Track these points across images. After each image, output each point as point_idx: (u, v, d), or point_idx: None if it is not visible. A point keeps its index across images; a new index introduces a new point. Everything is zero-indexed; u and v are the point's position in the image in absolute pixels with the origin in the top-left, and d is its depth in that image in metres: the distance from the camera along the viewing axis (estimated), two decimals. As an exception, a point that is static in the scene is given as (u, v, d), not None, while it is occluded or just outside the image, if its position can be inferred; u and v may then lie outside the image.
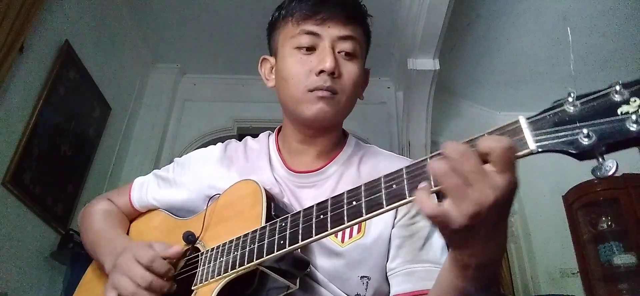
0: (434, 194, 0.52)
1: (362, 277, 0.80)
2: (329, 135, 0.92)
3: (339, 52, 0.85)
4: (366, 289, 0.80)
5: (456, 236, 0.52)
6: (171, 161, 1.06)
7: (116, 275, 0.77)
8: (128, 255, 0.77)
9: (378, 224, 0.82)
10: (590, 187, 3.49)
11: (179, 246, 0.81)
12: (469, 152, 0.48)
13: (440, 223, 0.50)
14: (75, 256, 2.56)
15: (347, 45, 0.86)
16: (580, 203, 3.58)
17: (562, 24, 3.11)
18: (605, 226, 3.47)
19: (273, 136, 0.99)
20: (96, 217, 0.99)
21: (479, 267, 0.55)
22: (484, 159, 0.49)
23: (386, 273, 0.82)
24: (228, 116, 3.82)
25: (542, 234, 3.64)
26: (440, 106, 3.68)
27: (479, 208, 0.48)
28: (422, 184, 0.52)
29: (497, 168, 0.48)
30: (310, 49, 0.85)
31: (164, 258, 0.77)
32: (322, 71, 0.82)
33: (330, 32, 0.85)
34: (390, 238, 0.82)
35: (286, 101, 0.89)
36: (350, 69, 0.86)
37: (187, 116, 3.86)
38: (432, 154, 0.54)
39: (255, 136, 1.03)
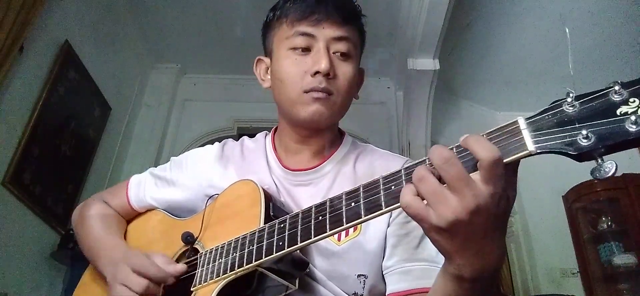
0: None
1: (359, 275, 0.80)
2: (325, 135, 0.92)
3: (334, 53, 0.85)
4: (363, 287, 0.80)
5: (441, 240, 0.51)
6: (168, 161, 1.05)
7: (115, 285, 0.79)
8: (124, 266, 0.79)
9: (374, 223, 0.82)
10: (590, 187, 3.49)
11: (182, 265, 0.81)
12: (453, 159, 0.48)
13: (420, 220, 0.50)
14: (75, 256, 2.55)
15: (341, 46, 0.85)
16: (580, 203, 3.58)
17: (562, 24, 3.11)
18: (605, 226, 3.47)
19: (270, 136, 0.99)
20: (93, 222, 0.98)
21: (473, 280, 0.53)
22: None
23: (382, 272, 0.82)
24: (228, 116, 3.82)
25: (542, 234, 3.64)
26: (440, 106, 3.67)
27: (459, 214, 0.48)
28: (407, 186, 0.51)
29: (482, 177, 0.48)
30: (306, 50, 0.85)
31: (170, 275, 0.79)
32: (317, 72, 0.82)
33: (325, 33, 0.85)
34: (386, 236, 0.82)
35: (282, 102, 0.89)
36: (345, 70, 0.86)
37: (187, 116, 3.86)
38: None
39: (252, 135, 1.03)
